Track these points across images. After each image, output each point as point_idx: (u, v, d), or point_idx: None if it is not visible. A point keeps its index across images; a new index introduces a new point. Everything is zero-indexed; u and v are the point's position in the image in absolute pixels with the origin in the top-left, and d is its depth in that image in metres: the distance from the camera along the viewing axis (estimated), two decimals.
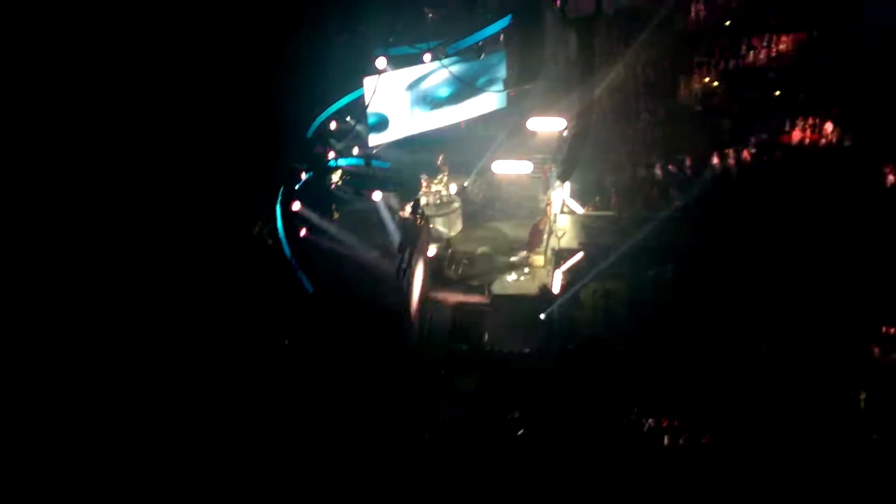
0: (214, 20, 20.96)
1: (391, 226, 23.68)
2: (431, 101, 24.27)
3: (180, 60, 20.37)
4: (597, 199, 25.10)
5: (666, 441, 15.56)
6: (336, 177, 23.78)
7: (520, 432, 17.47)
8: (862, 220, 22.42)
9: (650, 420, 16.91)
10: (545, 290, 22.11)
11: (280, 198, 22.05)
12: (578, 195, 24.72)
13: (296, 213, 22.22)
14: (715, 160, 25.87)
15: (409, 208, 23.17)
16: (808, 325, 20.42)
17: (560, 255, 22.98)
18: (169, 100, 20.09)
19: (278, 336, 20.53)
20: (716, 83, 28.19)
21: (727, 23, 28.12)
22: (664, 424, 15.94)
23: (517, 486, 14.58)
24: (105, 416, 15.22)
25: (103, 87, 17.91)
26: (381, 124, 23.85)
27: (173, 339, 17.55)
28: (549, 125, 25.54)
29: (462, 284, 22.91)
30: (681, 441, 15.85)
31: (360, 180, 23.89)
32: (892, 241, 21.44)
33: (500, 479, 15.02)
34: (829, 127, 26.02)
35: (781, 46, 27.77)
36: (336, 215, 24.08)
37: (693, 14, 28.17)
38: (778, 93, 27.45)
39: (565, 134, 24.81)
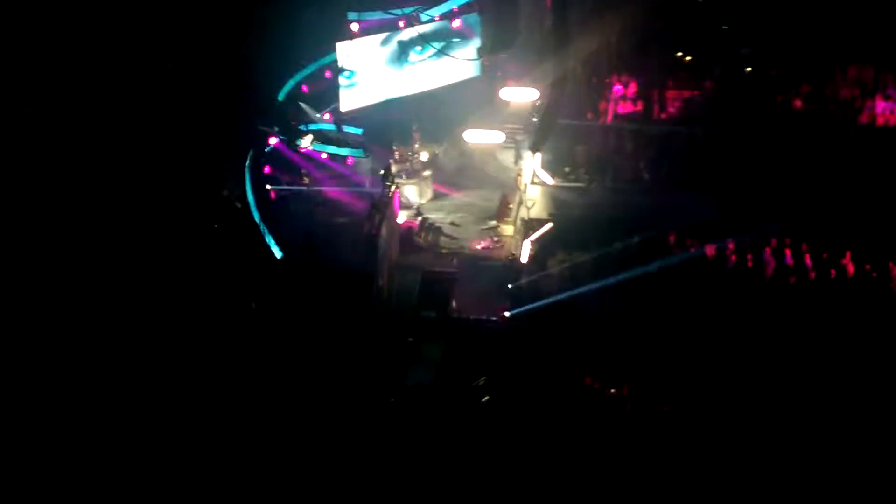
0: None
1: (364, 191, 23.66)
2: (405, 68, 24.18)
3: (148, 22, 20.14)
4: (567, 169, 25.19)
5: (628, 408, 15.80)
6: (307, 141, 23.67)
7: (485, 398, 17.66)
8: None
9: (612, 388, 17.19)
10: (514, 259, 22.23)
11: (249, 161, 21.94)
12: (549, 166, 24.79)
13: (266, 176, 22.15)
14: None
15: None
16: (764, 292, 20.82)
17: (529, 226, 23.09)
18: (136, 63, 19.87)
19: (246, 299, 20.50)
20: (688, 58, 28.31)
21: None
22: (625, 392, 16.18)
23: (482, 453, 14.73)
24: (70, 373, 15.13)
25: (68, 48, 17.67)
26: (354, 89, 23.75)
27: (140, 301, 17.45)
28: (522, 95, 25.54)
29: (431, 252, 22.97)
30: (643, 409, 16.10)
31: (331, 145, 23.81)
32: None
33: (465, 445, 15.14)
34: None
35: None
36: (307, 179, 23.97)
37: None
38: (750, 68, 27.63)
39: (538, 104, 24.84)
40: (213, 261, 20.48)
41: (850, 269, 21.25)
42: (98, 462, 13.48)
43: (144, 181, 18.89)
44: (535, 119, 24.36)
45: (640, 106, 27.54)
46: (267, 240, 21.28)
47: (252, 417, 16.43)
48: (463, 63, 24.78)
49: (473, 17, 24.48)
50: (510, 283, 21.53)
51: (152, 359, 16.65)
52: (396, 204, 22.79)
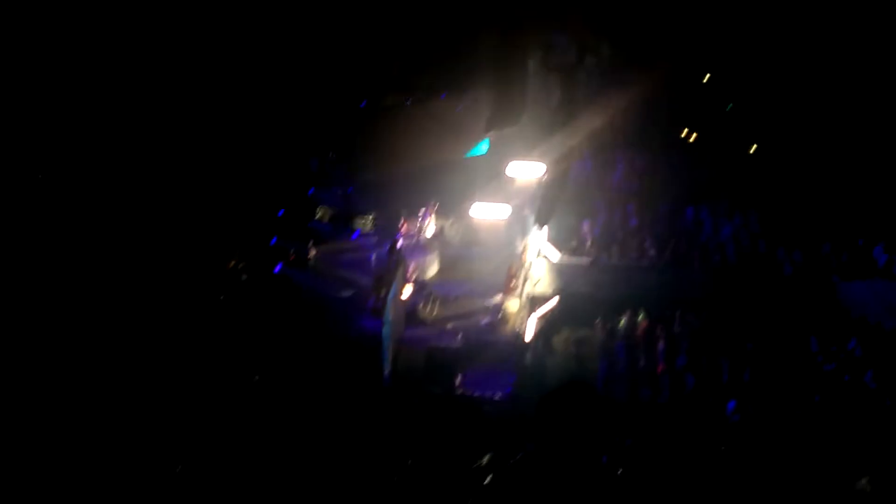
0: None
1: (369, 265, 23.71)
2: (412, 142, 24.53)
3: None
4: (573, 244, 25.28)
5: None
6: (317, 211, 23.90)
7: (487, 479, 17.42)
8: None
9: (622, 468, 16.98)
10: (519, 335, 22.16)
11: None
12: (555, 241, 24.89)
13: (273, 247, 22.28)
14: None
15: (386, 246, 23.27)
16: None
17: (534, 301, 23.06)
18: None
19: (249, 371, 20.41)
20: (694, 134, 28.69)
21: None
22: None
23: None
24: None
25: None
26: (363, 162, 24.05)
27: (148, 367, 17.40)
28: (529, 170, 25.81)
29: (436, 326, 22.90)
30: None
31: (339, 215, 24.01)
32: None
33: None
34: None
35: None
36: (314, 251, 24.06)
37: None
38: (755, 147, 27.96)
39: (543, 179, 25.08)
40: (219, 330, 20.49)
41: None
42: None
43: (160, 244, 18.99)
44: (540, 194, 24.59)
45: (645, 182, 27.83)
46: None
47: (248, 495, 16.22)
48: (470, 139, 25.11)
49: (481, 94, 24.86)
50: (515, 359, 21.45)
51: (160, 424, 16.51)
52: (402, 278, 22.85)
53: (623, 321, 22.62)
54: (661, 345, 21.76)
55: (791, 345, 21.72)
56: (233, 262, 22.42)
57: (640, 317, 22.68)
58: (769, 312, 22.61)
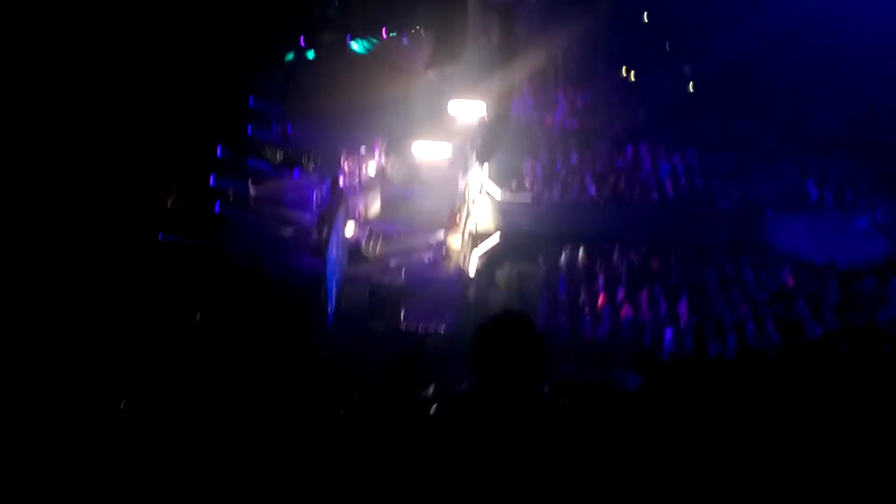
0: None
1: (311, 203, 23.50)
2: (354, 79, 24.21)
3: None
4: (514, 183, 25.40)
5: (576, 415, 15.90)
6: (254, 150, 23.53)
7: (432, 409, 17.67)
8: None
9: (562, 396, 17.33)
10: (462, 272, 22.32)
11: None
12: (497, 179, 24.98)
13: (212, 186, 21.92)
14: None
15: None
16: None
17: (477, 238, 23.21)
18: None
19: (189, 311, 20.22)
20: (633, 74, 28.87)
21: None
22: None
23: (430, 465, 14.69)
24: None
25: None
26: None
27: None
28: (469, 109, 25.72)
29: (379, 263, 22.92)
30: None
31: (279, 153, 23.67)
32: None
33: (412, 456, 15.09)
34: None
35: None
36: (254, 190, 23.77)
37: None
38: (692, 86, 28.27)
39: (485, 118, 25.04)
40: (156, 271, 20.16)
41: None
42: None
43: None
44: (482, 133, 24.58)
45: (586, 121, 27.99)
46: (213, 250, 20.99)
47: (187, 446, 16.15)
48: (411, 77, 24.87)
49: (422, 32, 24.63)
50: (458, 295, 21.63)
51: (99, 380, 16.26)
52: (343, 216, 22.75)
53: (564, 257, 22.92)
54: (600, 279, 22.15)
55: (726, 277, 22.29)
56: (170, 202, 22.06)
57: (581, 252, 23.00)
58: (705, 246, 23.13)
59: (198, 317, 20.02)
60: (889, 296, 21.42)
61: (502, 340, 2.79)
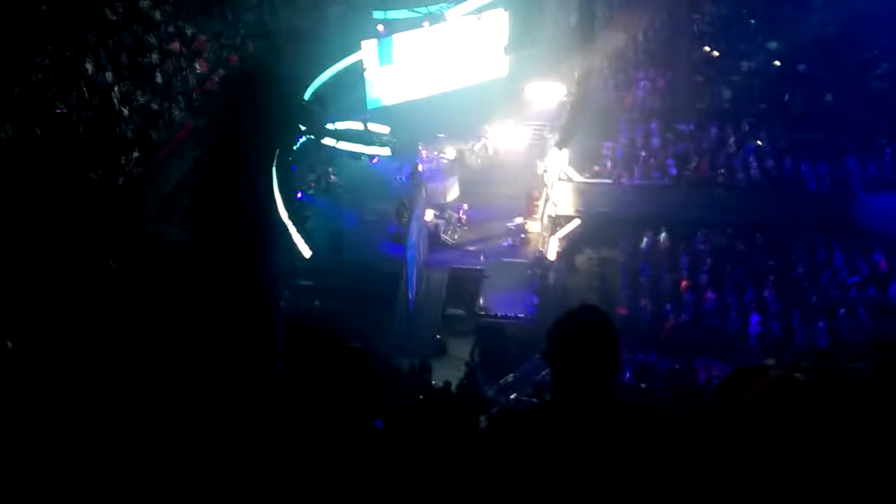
0: None
1: (391, 190, 23.72)
2: (431, 66, 24.20)
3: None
4: (594, 166, 25.11)
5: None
6: (334, 140, 23.79)
7: (512, 396, 17.70)
8: None
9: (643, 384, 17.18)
10: (541, 256, 22.22)
11: (277, 161, 22.04)
12: (576, 162, 24.73)
13: (293, 174, 22.28)
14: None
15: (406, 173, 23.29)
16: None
17: (556, 222, 23.07)
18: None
19: (269, 294, 20.63)
20: (716, 52, 28.11)
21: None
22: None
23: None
24: None
25: None
26: (381, 87, 23.82)
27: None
28: (548, 92, 25.52)
29: (459, 249, 23.02)
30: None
31: (358, 143, 23.89)
32: None
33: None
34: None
35: None
36: (334, 178, 24.11)
37: None
38: (778, 63, 27.40)
39: (564, 101, 24.82)
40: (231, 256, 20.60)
41: None
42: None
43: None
44: (561, 116, 24.38)
45: (668, 101, 27.43)
46: (295, 238, 21.38)
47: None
48: (489, 61, 24.74)
49: (500, 15, 24.41)
50: (538, 280, 21.57)
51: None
52: (423, 202, 22.90)
53: (645, 240, 22.60)
54: (683, 263, 21.77)
55: (815, 259, 21.64)
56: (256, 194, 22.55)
57: (663, 236, 22.64)
58: (793, 228, 22.48)
59: (282, 303, 20.48)
60: None
61: (578, 337, 2.74)
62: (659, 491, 2.59)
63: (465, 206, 23.68)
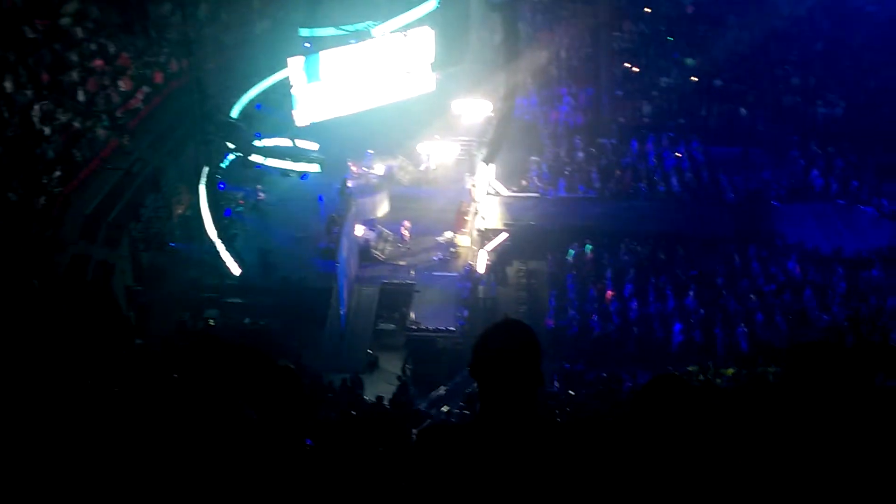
0: None
1: (320, 206, 23.72)
2: (359, 82, 24.33)
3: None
4: (521, 181, 25.57)
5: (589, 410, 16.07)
6: (262, 157, 23.71)
7: (444, 409, 17.86)
8: None
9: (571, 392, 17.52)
10: (470, 268, 22.49)
11: (206, 179, 21.91)
12: (503, 177, 25.15)
13: (222, 192, 22.16)
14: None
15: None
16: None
17: (485, 236, 23.41)
18: None
19: (199, 311, 20.47)
20: (636, 69, 28.93)
21: None
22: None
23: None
24: None
25: None
26: (308, 104, 23.83)
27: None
28: (475, 108, 25.90)
29: (389, 264, 23.14)
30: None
31: (286, 159, 23.86)
32: None
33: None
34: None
35: None
36: (262, 195, 24.03)
37: None
38: (695, 79, 28.35)
39: (490, 117, 25.22)
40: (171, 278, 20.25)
41: None
42: None
43: None
44: (487, 131, 24.76)
45: (590, 116, 28.12)
46: (224, 256, 21.25)
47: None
48: (416, 78, 25.01)
49: (426, 32, 24.72)
50: (466, 292, 21.83)
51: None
52: (353, 218, 22.98)
53: (572, 252, 23.09)
54: (608, 274, 22.31)
55: (733, 267, 22.42)
56: (180, 209, 22.35)
57: (589, 248, 23.17)
58: (713, 238, 23.27)
59: (211, 322, 20.32)
60: None
61: (501, 350, 2.84)
62: (577, 498, 2.70)
63: (407, 224, 23.77)
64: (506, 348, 2.81)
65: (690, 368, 18.27)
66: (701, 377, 17.85)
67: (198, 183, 21.99)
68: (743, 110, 27.34)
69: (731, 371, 18.08)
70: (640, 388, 3.24)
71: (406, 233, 23.66)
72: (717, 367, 18.49)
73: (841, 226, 23.44)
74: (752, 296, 21.13)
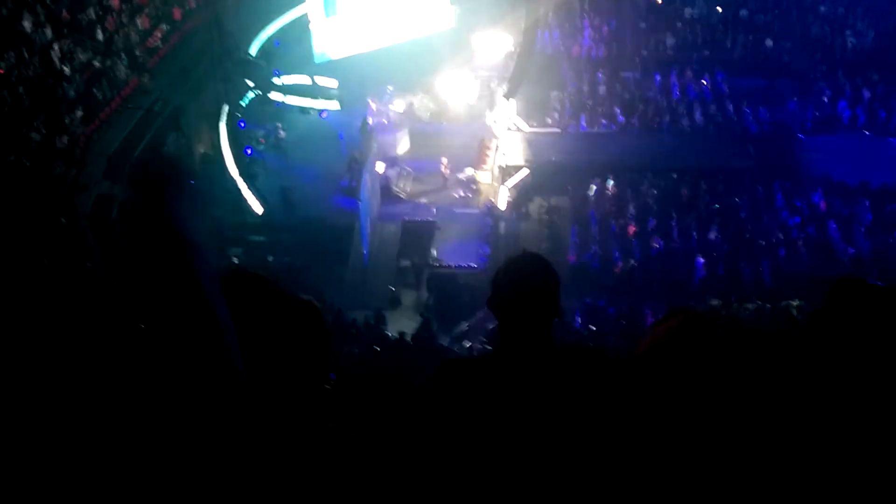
0: None
1: (341, 144, 23.66)
2: (377, 17, 24.07)
3: None
4: (542, 115, 25.31)
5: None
6: (281, 95, 23.66)
7: (467, 344, 18.05)
8: None
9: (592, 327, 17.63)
10: (492, 205, 22.46)
11: (226, 117, 21.91)
12: (524, 112, 24.92)
13: (242, 131, 22.17)
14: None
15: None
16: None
17: (506, 172, 23.31)
18: None
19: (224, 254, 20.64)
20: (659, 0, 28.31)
21: None
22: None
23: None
24: None
25: None
26: (328, 39, 23.63)
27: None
28: (495, 43, 25.53)
29: (411, 201, 23.14)
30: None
31: (306, 97, 23.79)
32: None
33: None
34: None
35: None
36: (282, 133, 23.98)
37: None
38: (720, 9, 27.71)
39: (511, 51, 24.87)
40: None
41: None
42: None
43: None
44: (508, 66, 24.45)
45: (612, 50, 27.66)
46: (245, 195, 21.35)
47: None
48: (436, 12, 24.68)
49: None
50: (489, 229, 21.84)
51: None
52: (374, 155, 22.92)
53: (593, 188, 22.97)
54: (631, 209, 22.21)
55: (757, 201, 22.24)
56: (201, 150, 22.38)
57: (610, 183, 23.03)
58: (736, 172, 23.02)
59: (235, 259, 20.49)
60: None
61: (518, 283, 2.84)
62: (594, 431, 2.72)
63: (445, 160, 23.51)
64: (523, 280, 2.82)
65: (714, 303, 18.31)
66: (724, 312, 17.92)
67: (218, 122, 22.01)
68: (769, 41, 26.71)
69: (753, 305, 18.14)
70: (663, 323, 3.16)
71: (445, 171, 23.43)
72: (740, 301, 18.53)
73: (867, 158, 23.05)
74: (776, 229, 20.99)
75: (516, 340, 2.77)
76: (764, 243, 20.76)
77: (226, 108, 22.11)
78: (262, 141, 23.81)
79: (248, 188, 21.41)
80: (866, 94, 24.84)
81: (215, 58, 21.71)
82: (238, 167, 21.54)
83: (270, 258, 20.68)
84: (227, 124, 21.88)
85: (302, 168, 23.00)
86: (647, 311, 18.40)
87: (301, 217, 21.71)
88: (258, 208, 21.42)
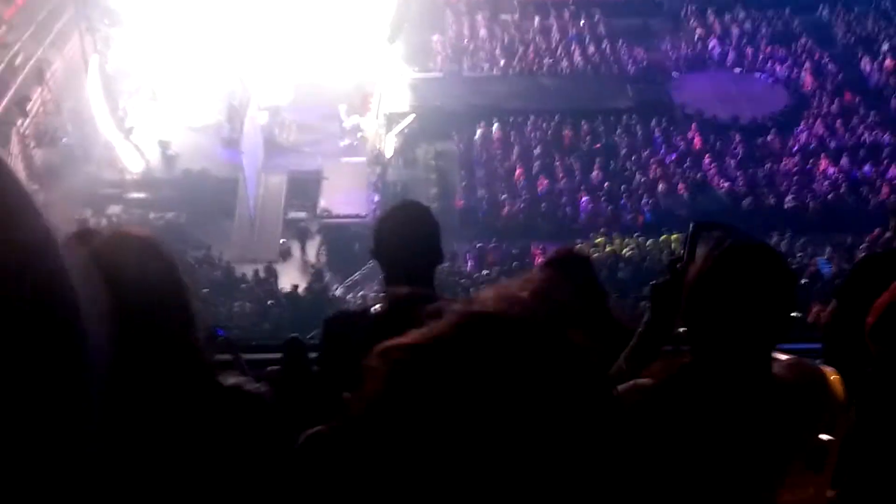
0: None
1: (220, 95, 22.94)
2: None
3: None
4: (425, 59, 25.16)
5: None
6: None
7: (360, 293, 18.04)
8: None
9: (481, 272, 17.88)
10: (378, 153, 22.29)
11: (96, 69, 20.89)
12: (407, 56, 24.69)
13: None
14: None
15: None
16: None
17: (391, 119, 23.10)
18: None
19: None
20: None
21: None
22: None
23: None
24: None
25: None
26: None
27: None
28: None
29: (295, 151, 22.72)
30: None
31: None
32: None
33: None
34: None
35: None
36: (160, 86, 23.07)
37: None
38: None
39: None
40: None
41: None
42: None
43: None
44: (388, 11, 24.07)
45: None
46: (121, 150, 20.53)
47: None
48: None
49: None
50: (377, 177, 21.69)
51: None
52: (255, 105, 22.32)
53: (478, 132, 23.09)
54: (516, 152, 22.46)
55: (636, 140, 22.86)
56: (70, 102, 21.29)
57: (495, 126, 23.19)
58: (615, 112, 23.56)
59: None
60: (790, 147, 22.39)
61: (397, 231, 2.89)
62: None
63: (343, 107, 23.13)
64: (402, 229, 2.87)
65: (597, 240, 18.84)
66: (607, 248, 18.49)
67: (86, 74, 20.98)
68: None
69: (633, 241, 18.76)
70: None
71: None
72: (622, 237, 19.12)
73: (737, 94, 24.02)
74: (655, 167, 21.66)
75: (398, 286, 2.80)
76: (644, 180, 21.39)
77: (95, 59, 21.07)
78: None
79: (124, 143, 20.58)
80: (735, 31, 25.76)
81: (78, 6, 20.59)
82: (113, 121, 20.65)
83: (152, 215, 20.01)
84: (97, 76, 20.87)
85: (180, 120, 22.23)
86: (536, 251, 18.74)
87: (182, 171, 21.04)
88: (136, 164, 20.65)
